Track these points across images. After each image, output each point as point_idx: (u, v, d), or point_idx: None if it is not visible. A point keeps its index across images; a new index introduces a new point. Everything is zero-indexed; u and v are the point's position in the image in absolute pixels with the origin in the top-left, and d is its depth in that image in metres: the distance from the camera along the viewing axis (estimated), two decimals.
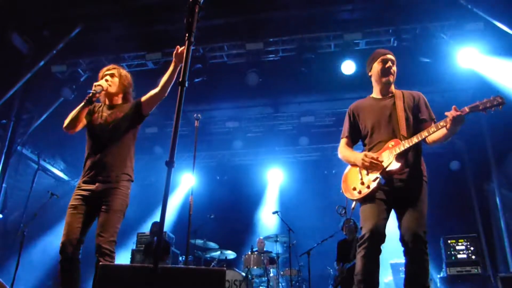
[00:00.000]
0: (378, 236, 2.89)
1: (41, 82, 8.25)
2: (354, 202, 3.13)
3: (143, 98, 3.50)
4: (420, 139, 2.93)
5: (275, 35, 7.78)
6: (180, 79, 2.05)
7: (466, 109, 2.77)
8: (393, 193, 2.98)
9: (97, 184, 3.25)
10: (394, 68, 3.27)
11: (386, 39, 7.61)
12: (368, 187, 3.00)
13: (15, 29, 7.83)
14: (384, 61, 3.26)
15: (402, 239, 2.90)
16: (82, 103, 3.35)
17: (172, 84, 3.38)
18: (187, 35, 2.14)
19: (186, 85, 2.06)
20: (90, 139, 3.46)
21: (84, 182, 3.31)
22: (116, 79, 3.58)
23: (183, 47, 3.23)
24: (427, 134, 2.92)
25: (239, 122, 10.30)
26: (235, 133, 10.47)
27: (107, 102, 3.60)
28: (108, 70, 3.61)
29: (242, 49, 7.93)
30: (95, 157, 3.33)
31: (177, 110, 1.98)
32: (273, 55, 8.07)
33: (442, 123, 2.83)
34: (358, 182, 3.09)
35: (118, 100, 3.61)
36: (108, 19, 7.75)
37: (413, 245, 2.82)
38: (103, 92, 3.48)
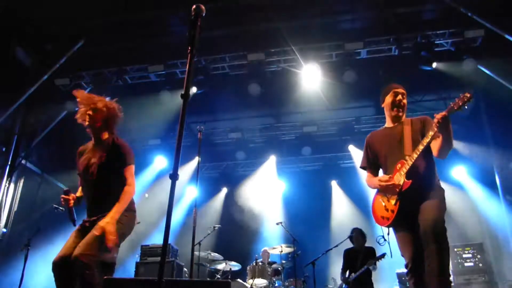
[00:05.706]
0: (420, 262, 2.89)
1: (44, 95, 8.30)
2: (387, 229, 3.26)
3: (125, 168, 3.32)
4: (418, 153, 3.03)
5: (276, 45, 7.82)
6: (183, 92, 2.06)
7: (445, 113, 2.90)
8: (412, 215, 2.99)
9: (98, 217, 3.20)
10: (405, 101, 3.42)
11: (387, 48, 7.64)
12: (393, 211, 3.13)
13: (19, 43, 7.91)
14: (396, 94, 3.40)
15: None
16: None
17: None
18: (189, 48, 2.14)
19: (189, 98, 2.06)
20: (81, 180, 3.45)
21: (88, 217, 3.32)
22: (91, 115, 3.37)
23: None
24: (422, 146, 3.01)
25: (242, 133, 10.28)
26: (237, 144, 10.46)
27: (93, 139, 3.48)
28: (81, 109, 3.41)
29: (243, 60, 7.99)
30: (89, 197, 3.36)
31: (181, 123, 1.97)
32: (275, 66, 8.13)
33: (433, 127, 2.96)
34: (383, 210, 3.25)
35: (103, 135, 3.45)
36: (110, 32, 7.82)
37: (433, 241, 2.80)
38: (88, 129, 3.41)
